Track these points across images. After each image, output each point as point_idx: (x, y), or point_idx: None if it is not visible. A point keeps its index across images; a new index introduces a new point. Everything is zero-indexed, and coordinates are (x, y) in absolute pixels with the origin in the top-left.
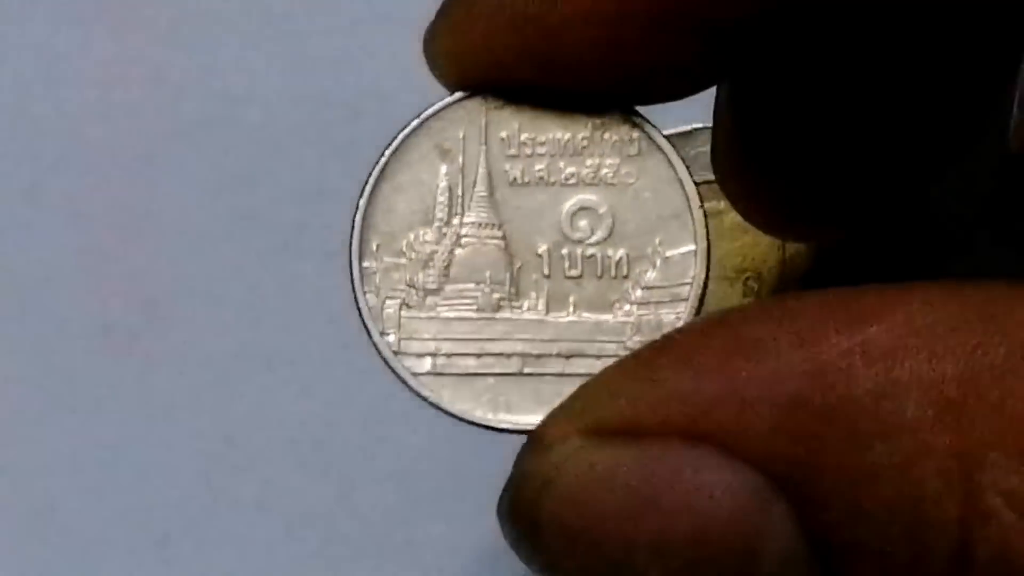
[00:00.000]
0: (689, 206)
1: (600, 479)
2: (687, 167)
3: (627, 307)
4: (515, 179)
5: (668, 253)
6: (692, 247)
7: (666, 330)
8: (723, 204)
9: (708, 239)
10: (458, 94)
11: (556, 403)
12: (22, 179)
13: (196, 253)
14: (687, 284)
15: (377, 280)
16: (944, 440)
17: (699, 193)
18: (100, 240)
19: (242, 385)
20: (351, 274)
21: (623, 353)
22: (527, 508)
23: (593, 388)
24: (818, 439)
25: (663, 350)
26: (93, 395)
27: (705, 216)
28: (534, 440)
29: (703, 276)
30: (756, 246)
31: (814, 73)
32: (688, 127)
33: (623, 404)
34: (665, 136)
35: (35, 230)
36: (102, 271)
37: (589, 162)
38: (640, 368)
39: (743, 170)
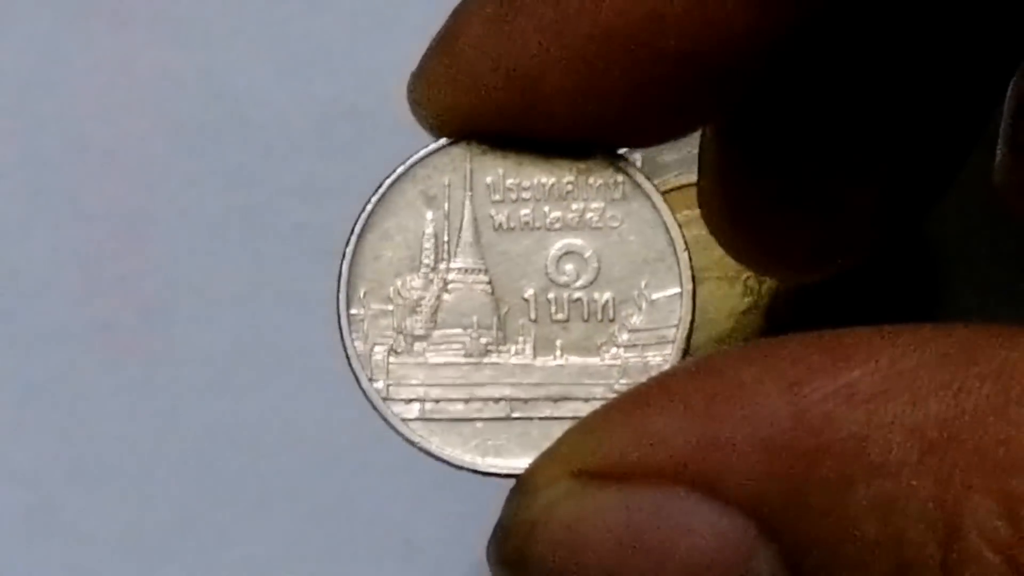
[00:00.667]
0: (674, 249)
1: (588, 522)
2: (671, 210)
3: (614, 350)
4: (501, 224)
5: (654, 296)
6: (677, 290)
7: (652, 373)
8: None
9: (693, 281)
10: (442, 141)
11: (544, 447)
12: (22, 179)
13: (195, 253)
14: (673, 327)
15: (365, 327)
16: (927, 483)
17: (683, 236)
18: (100, 240)
19: (241, 385)
20: (339, 321)
21: (610, 396)
22: (515, 552)
23: (580, 432)
24: (802, 482)
25: (649, 394)
26: (92, 395)
27: (690, 259)
28: (522, 484)
29: (689, 318)
30: None
31: (800, 109)
32: None
33: (610, 448)
34: (649, 179)
35: (35, 230)
36: (101, 271)
37: (574, 206)
38: (627, 412)
39: (731, 208)
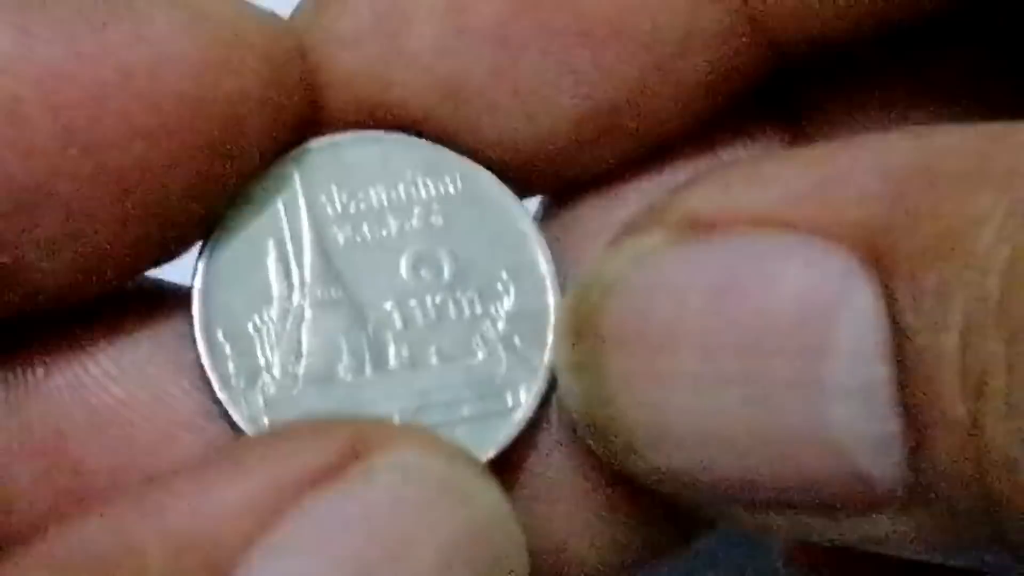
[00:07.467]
0: (512, 203)
1: (684, 270)
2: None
3: (491, 343)
4: (345, 241)
5: (516, 263)
6: (529, 233)
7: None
8: None
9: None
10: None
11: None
12: None
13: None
14: (542, 276)
15: (231, 370)
16: None
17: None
18: None
19: None
20: (204, 374)
21: (504, 393)
22: (593, 307)
23: (683, 191)
24: (917, 205)
25: (756, 160)
26: None
27: (536, 224)
28: (616, 238)
29: (548, 254)
30: None
31: None
32: None
33: (717, 198)
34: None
35: None
36: None
37: (416, 210)
38: (734, 171)
39: None
